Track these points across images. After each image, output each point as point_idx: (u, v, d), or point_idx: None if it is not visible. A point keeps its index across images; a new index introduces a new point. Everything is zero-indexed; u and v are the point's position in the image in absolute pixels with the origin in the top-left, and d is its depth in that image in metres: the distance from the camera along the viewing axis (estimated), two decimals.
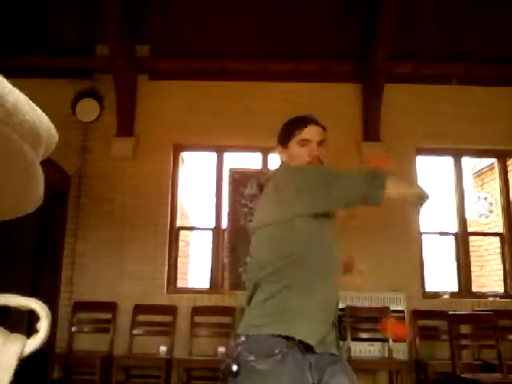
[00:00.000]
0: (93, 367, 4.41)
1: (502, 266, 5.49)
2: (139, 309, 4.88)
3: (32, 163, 0.56)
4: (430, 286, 5.32)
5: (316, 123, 1.86)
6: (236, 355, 1.52)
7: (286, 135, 1.86)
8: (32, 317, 0.56)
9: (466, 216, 5.49)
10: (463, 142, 5.37)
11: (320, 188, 1.70)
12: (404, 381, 4.52)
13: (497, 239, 5.76)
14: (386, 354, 4.64)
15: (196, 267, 8.03)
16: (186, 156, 6.08)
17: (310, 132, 1.83)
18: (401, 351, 4.67)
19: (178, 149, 5.48)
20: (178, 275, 5.41)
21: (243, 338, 1.56)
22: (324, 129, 1.87)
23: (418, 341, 4.79)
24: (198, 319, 4.87)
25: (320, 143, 1.83)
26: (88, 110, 5.31)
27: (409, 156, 5.32)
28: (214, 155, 5.50)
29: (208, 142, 5.41)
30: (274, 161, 5.45)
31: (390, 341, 4.65)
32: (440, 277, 6.92)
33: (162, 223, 5.19)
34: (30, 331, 0.55)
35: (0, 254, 5.08)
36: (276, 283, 1.62)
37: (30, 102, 0.52)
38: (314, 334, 1.58)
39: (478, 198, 7.05)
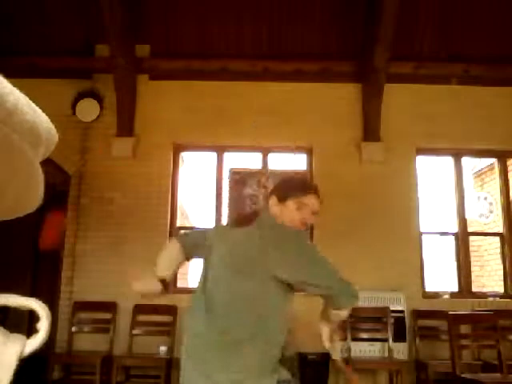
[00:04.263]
0: (93, 367, 4.41)
1: (502, 266, 5.48)
2: (139, 309, 4.87)
3: (32, 163, 0.56)
4: (430, 286, 5.32)
5: (318, 194, 1.94)
6: None
7: (288, 192, 1.92)
8: (32, 317, 0.56)
9: (466, 216, 5.48)
10: (463, 142, 5.37)
11: (315, 267, 1.76)
12: (404, 381, 4.52)
13: (497, 239, 5.76)
14: (386, 354, 4.64)
15: (196, 267, 8.03)
16: (185, 156, 6.07)
17: (311, 200, 1.91)
18: (401, 351, 4.67)
19: (178, 149, 5.47)
20: (178, 275, 5.41)
21: None
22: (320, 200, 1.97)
23: (417, 341, 4.80)
24: None
25: (315, 213, 1.92)
26: (88, 109, 5.30)
27: (409, 156, 5.32)
28: (214, 155, 5.50)
29: (208, 142, 5.41)
30: (274, 161, 5.45)
31: (390, 341, 4.66)
32: (440, 277, 6.92)
33: (162, 223, 5.18)
34: (30, 331, 0.55)
35: (0, 254, 5.08)
36: None
37: (30, 102, 0.52)
38: None
39: (478, 198, 7.06)
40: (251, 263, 1.75)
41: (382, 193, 5.16)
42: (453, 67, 5.31)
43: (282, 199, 1.90)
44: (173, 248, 2.06)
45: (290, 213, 1.88)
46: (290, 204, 1.89)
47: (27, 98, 0.52)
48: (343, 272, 1.77)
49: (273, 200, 1.93)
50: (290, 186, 1.95)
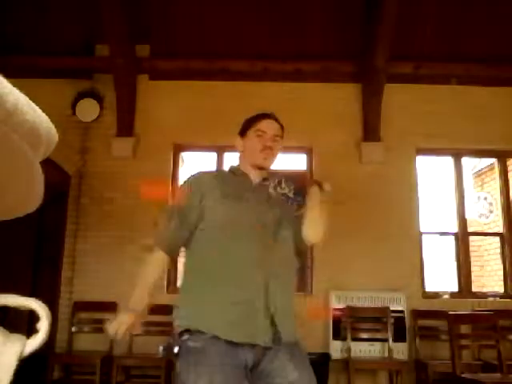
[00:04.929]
0: (93, 367, 4.41)
1: (502, 266, 5.48)
2: None
3: (32, 163, 0.56)
4: (430, 286, 5.31)
5: (274, 119, 2.04)
6: None
7: (246, 126, 2.02)
8: (32, 317, 0.56)
9: (466, 216, 5.48)
10: (463, 142, 5.37)
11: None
12: (404, 381, 4.52)
13: (497, 239, 5.76)
14: (386, 354, 4.64)
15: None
16: (185, 156, 6.07)
17: (267, 124, 1.99)
18: (401, 351, 4.67)
19: (177, 149, 5.47)
20: (178, 275, 5.41)
21: None
22: (282, 127, 2.05)
23: (417, 341, 4.79)
24: None
25: (275, 137, 1.99)
26: (88, 110, 5.30)
27: (409, 156, 5.32)
28: (214, 155, 5.50)
29: (208, 142, 5.41)
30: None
31: (390, 341, 4.65)
32: (440, 277, 6.92)
33: None
34: (30, 331, 0.55)
35: (0, 254, 5.08)
36: None
37: (30, 102, 0.52)
38: None
39: (478, 197, 7.05)
40: None
41: (382, 193, 5.16)
42: (453, 67, 5.31)
43: (243, 134, 2.02)
44: None
45: (251, 143, 1.98)
46: (250, 134, 1.99)
47: (27, 98, 0.52)
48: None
49: (237, 141, 2.04)
50: (247, 119, 2.04)
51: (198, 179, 1.94)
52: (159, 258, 1.85)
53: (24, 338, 0.55)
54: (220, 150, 5.45)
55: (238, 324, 1.66)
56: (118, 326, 1.70)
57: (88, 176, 5.24)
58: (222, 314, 1.68)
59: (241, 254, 1.75)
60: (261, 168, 1.97)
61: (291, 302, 1.82)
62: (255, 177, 1.99)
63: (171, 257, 1.86)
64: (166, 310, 5.13)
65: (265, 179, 1.99)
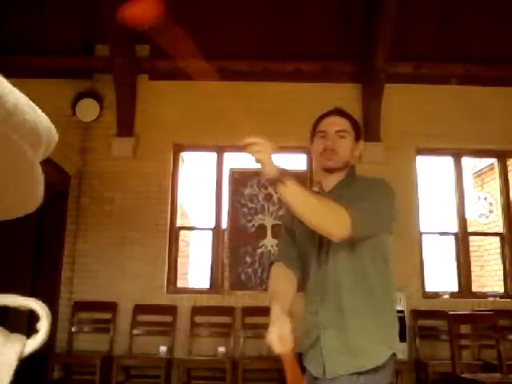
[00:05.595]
0: (93, 367, 4.41)
1: (502, 266, 5.49)
2: (139, 309, 4.88)
3: (32, 163, 0.56)
4: (430, 286, 5.32)
5: (336, 114, 1.84)
6: None
7: (312, 131, 1.88)
8: (32, 317, 0.56)
9: (466, 216, 5.48)
10: (463, 141, 5.37)
11: None
12: (404, 381, 4.52)
13: (497, 239, 5.76)
14: None
15: (196, 267, 8.04)
16: (185, 156, 6.07)
17: (327, 122, 1.82)
18: (401, 351, 4.67)
19: (177, 149, 5.47)
20: (178, 275, 5.41)
21: None
22: (350, 120, 1.84)
23: (418, 341, 4.79)
24: (198, 319, 4.87)
25: (338, 133, 1.79)
26: (88, 109, 5.30)
27: (409, 156, 5.32)
28: (214, 155, 5.50)
29: (208, 141, 5.41)
30: (274, 161, 5.44)
31: None
32: (440, 277, 6.92)
33: (162, 223, 5.19)
34: (30, 331, 0.55)
35: (0, 253, 5.08)
36: None
37: (30, 102, 0.52)
38: None
39: (478, 198, 7.05)
40: None
41: None
42: (453, 67, 5.31)
43: (312, 140, 1.88)
44: None
45: (315, 147, 1.83)
46: (315, 139, 1.85)
47: (27, 98, 0.52)
48: None
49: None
50: (313, 124, 1.90)
51: None
52: (280, 270, 1.85)
53: (24, 337, 0.55)
54: (220, 150, 5.45)
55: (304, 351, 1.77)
56: (279, 337, 1.56)
57: (88, 176, 5.24)
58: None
59: (309, 280, 1.80)
60: (329, 171, 1.82)
61: (353, 332, 1.63)
62: (328, 183, 1.83)
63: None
64: (166, 310, 5.14)
65: (345, 179, 1.81)
